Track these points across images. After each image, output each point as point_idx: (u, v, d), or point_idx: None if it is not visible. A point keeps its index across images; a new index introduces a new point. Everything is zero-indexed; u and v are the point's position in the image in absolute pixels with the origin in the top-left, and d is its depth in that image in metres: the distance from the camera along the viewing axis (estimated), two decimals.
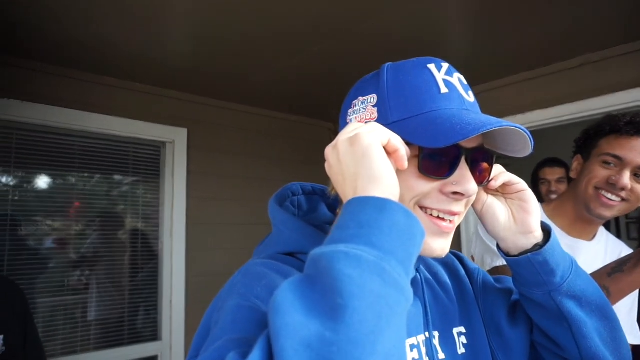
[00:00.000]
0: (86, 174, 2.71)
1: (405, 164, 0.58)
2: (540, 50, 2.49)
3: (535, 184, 2.75)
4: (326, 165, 0.60)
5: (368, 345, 0.39)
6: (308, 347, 0.38)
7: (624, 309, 1.30)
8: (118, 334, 2.66)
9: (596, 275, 1.08)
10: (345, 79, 0.72)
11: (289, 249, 0.70)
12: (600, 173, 1.28)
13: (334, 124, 3.65)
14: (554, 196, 2.67)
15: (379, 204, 0.50)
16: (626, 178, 1.24)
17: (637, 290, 1.30)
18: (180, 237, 2.87)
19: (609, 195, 1.27)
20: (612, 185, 1.25)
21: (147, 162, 2.90)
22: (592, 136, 1.36)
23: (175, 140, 2.92)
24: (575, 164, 1.42)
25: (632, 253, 1.11)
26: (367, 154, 0.54)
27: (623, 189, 1.24)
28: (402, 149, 0.57)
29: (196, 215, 2.97)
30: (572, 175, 1.41)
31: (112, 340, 2.63)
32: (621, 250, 1.44)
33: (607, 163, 1.28)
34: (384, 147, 0.56)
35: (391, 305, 0.43)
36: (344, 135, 0.58)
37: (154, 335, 2.79)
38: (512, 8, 1.99)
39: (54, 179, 2.58)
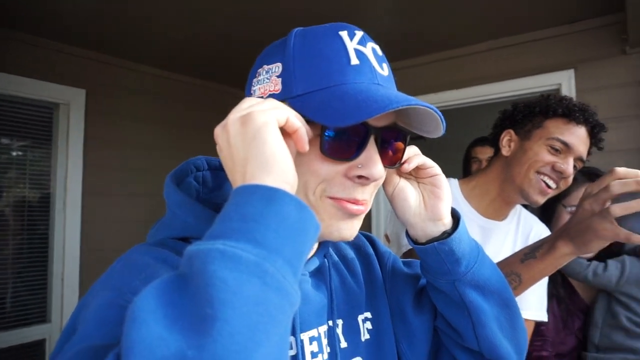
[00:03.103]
0: None
1: (306, 146, 0.52)
2: (455, 32, 2.54)
3: (467, 162, 2.81)
4: (217, 147, 0.53)
5: None
6: None
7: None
8: None
9: (509, 261, 1.06)
10: (265, 44, 0.64)
11: (183, 233, 0.62)
12: (547, 158, 1.21)
13: None
14: None
15: (268, 194, 0.44)
16: (571, 166, 1.20)
17: None
18: (75, 209, 2.64)
19: (550, 182, 1.22)
20: (557, 173, 1.21)
21: (36, 126, 2.60)
22: (535, 114, 1.27)
23: (71, 102, 2.64)
24: (506, 140, 1.32)
25: (545, 237, 1.06)
26: (258, 136, 0.47)
27: (566, 177, 1.22)
28: (302, 129, 0.51)
29: (94, 185, 2.73)
30: (505, 152, 1.31)
31: None
32: (532, 226, 1.40)
33: (554, 149, 1.21)
34: (282, 128, 0.50)
35: (271, 313, 0.38)
36: (235, 114, 0.51)
37: (42, 316, 2.55)
38: None
39: None
